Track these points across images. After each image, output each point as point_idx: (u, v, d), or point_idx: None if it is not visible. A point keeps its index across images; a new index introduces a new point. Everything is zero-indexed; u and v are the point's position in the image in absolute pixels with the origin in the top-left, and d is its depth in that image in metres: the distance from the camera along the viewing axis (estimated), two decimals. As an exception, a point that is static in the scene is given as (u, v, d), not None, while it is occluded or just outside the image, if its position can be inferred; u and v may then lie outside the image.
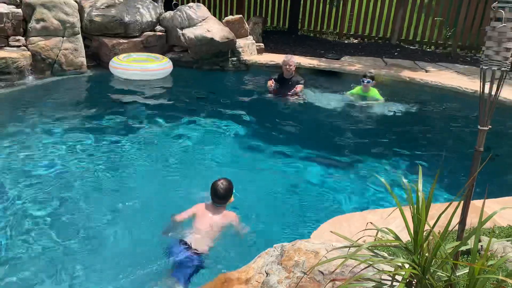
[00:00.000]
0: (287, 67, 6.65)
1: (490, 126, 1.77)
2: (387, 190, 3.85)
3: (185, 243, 2.97)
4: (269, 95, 6.73)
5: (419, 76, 7.57)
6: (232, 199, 3.32)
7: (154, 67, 7.24)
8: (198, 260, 2.90)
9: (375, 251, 1.90)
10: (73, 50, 7.14)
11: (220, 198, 3.21)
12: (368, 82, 6.49)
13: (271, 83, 6.70)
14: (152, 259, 2.92)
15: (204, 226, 3.10)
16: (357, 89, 6.74)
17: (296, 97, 6.58)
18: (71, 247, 3.13)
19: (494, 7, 1.63)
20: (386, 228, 1.74)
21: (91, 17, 7.43)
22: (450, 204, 1.64)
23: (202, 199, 3.39)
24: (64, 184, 3.93)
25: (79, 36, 7.22)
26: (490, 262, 1.60)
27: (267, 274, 2.19)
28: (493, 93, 1.73)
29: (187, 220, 3.19)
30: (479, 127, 1.77)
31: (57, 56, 6.98)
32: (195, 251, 2.93)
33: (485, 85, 1.72)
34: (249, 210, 3.69)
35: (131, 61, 7.30)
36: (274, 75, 6.88)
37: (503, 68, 1.67)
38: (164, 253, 2.98)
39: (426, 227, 1.61)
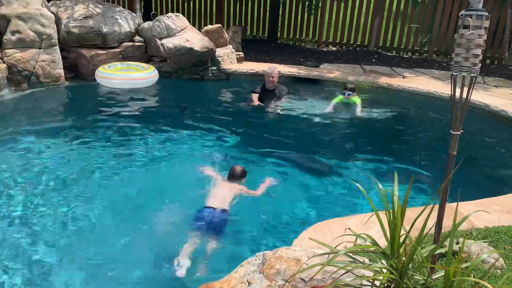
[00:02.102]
0: (270, 78, 6.62)
1: (463, 131, 1.81)
2: (372, 194, 3.90)
3: (210, 207, 3.61)
4: (250, 104, 6.63)
5: (397, 82, 7.70)
6: (244, 180, 4.11)
7: (140, 76, 7.26)
8: (225, 215, 3.59)
9: (355, 256, 1.92)
10: (50, 61, 7.05)
11: (235, 177, 4.04)
12: (349, 94, 6.62)
13: (257, 101, 6.53)
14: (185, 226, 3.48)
15: (223, 193, 3.83)
16: (340, 97, 6.85)
17: (279, 106, 6.58)
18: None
19: (461, 15, 1.68)
20: (364, 234, 1.76)
21: (69, 28, 7.36)
22: (426, 207, 1.67)
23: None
24: (44, 196, 3.87)
25: (57, 47, 7.13)
26: (465, 264, 1.63)
27: (249, 283, 2.19)
28: (464, 98, 1.77)
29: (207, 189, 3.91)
30: (451, 131, 1.80)
31: (34, 68, 6.88)
32: (220, 208, 3.62)
33: (456, 91, 1.76)
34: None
35: (117, 70, 7.31)
36: (256, 87, 6.78)
37: (472, 74, 1.72)
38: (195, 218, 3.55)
39: (404, 232, 1.64)
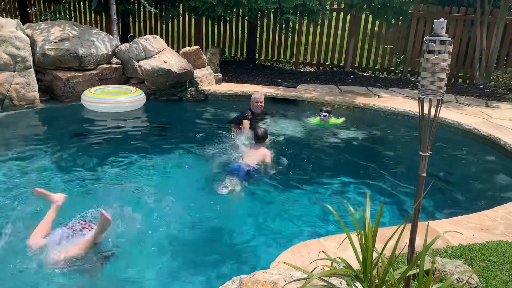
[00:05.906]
0: (259, 103, 6.58)
1: (431, 152, 1.85)
2: (347, 214, 3.92)
3: (242, 164, 4.83)
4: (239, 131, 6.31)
5: (372, 101, 7.85)
6: (267, 140, 5.33)
7: (126, 99, 7.21)
8: (250, 169, 4.76)
9: (332, 279, 1.91)
10: (25, 84, 6.94)
11: (259, 138, 5.15)
12: (324, 116, 6.71)
13: (248, 128, 6.28)
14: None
15: (253, 154, 4.95)
16: (317, 119, 6.92)
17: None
18: None
19: (426, 40, 1.74)
20: (339, 258, 1.76)
21: (44, 50, 7.29)
22: (398, 228, 1.69)
23: None
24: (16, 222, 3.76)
25: (31, 70, 7.04)
26: (437, 285, 1.64)
27: (225, 309, 2.15)
28: (432, 120, 1.81)
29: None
30: (420, 153, 1.84)
31: (8, 91, 6.76)
32: (249, 164, 4.81)
33: (423, 113, 1.81)
34: (207, 241, 3.66)
35: (104, 93, 7.25)
36: (246, 112, 6.61)
37: (438, 97, 1.77)
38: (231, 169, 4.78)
39: (376, 254, 1.64)
